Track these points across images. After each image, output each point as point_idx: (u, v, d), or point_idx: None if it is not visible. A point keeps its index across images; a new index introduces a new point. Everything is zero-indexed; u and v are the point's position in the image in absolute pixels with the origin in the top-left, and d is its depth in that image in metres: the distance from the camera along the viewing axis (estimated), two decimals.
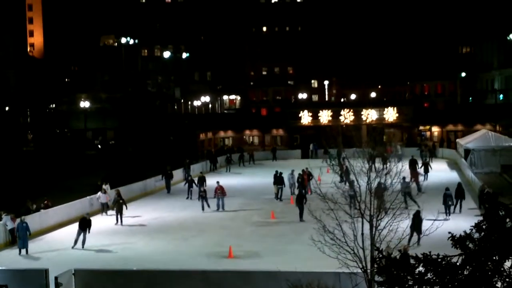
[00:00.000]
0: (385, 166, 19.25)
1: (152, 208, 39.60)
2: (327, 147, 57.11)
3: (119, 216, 34.70)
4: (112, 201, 36.82)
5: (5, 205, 34.97)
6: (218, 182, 38.86)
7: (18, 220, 29.30)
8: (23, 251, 28.00)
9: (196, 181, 42.88)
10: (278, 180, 41.94)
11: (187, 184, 43.31)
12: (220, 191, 37.95)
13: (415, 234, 25.15)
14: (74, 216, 35.47)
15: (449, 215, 32.86)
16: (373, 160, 18.61)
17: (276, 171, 42.68)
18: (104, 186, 39.31)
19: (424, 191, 36.24)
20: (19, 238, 28.29)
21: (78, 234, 29.29)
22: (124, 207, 35.46)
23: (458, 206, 34.49)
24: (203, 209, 37.71)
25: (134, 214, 37.42)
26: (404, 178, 38.80)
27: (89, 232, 29.67)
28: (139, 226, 34.38)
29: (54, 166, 56.65)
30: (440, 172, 51.34)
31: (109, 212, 37.05)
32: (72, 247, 28.90)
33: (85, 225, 29.42)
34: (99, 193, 37.90)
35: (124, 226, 34.43)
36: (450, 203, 33.25)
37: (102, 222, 35.25)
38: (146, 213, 37.78)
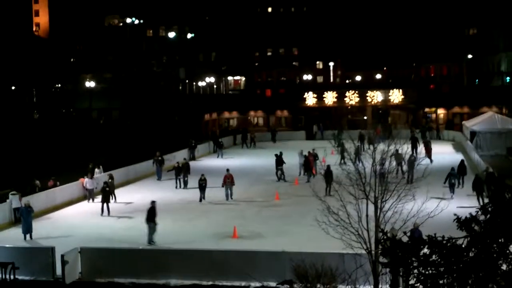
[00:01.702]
0: (371, 146, 19.14)
1: (156, 189, 39.69)
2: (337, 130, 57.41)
3: (105, 206, 32.32)
4: (98, 187, 34.75)
5: (11, 183, 35.13)
6: (228, 170, 36.51)
7: (22, 203, 29.15)
8: (28, 236, 27.22)
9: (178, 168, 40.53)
10: (278, 161, 42.06)
11: (174, 172, 40.56)
12: (230, 180, 35.53)
13: None
14: (77, 196, 35.80)
15: (454, 193, 33.80)
16: (371, 142, 18.53)
17: (277, 153, 42.73)
18: (96, 170, 38.88)
19: (429, 173, 36.40)
20: (23, 223, 27.45)
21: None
22: (111, 196, 33.86)
23: (460, 181, 36.10)
24: (200, 200, 35.25)
25: (137, 195, 37.53)
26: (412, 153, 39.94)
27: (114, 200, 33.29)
28: (143, 206, 34.34)
29: (59, 145, 56.71)
30: (445, 154, 51.22)
31: (96, 199, 34.50)
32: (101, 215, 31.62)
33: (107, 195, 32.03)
34: (86, 178, 36.00)
35: (129, 206, 34.43)
36: (453, 181, 34.38)
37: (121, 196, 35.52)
38: (150, 193, 37.82)
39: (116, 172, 40.01)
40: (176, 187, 39.67)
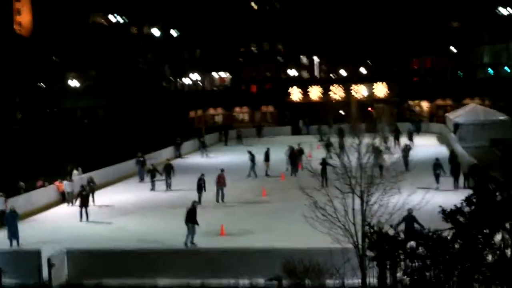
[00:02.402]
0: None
1: (141, 187, 39.59)
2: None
3: (83, 210, 30.76)
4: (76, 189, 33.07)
5: None
6: (222, 170, 35.15)
7: (7, 207, 28.85)
8: (14, 242, 26.44)
9: (160, 170, 38.87)
10: (265, 156, 42.29)
11: (149, 175, 39.03)
12: (223, 181, 34.40)
13: None
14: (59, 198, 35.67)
15: (439, 183, 34.64)
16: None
17: (250, 150, 43.04)
18: (75, 171, 38.10)
19: (414, 166, 37.37)
20: (8, 228, 26.62)
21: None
22: (90, 199, 32.46)
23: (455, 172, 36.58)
24: (200, 202, 33.86)
25: (123, 194, 37.48)
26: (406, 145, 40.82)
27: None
28: (129, 206, 34.35)
29: (44, 146, 56.47)
30: (429, 147, 51.57)
31: (77, 202, 32.65)
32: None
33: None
34: (64, 181, 35.03)
35: (115, 206, 34.30)
36: (438, 172, 35.13)
37: (102, 198, 35.37)
38: (136, 192, 37.82)
39: (96, 173, 39.51)
40: (152, 189, 37.95)
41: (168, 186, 38.36)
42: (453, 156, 38.16)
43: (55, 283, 21.61)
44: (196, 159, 52.94)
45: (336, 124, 56.40)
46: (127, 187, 40.50)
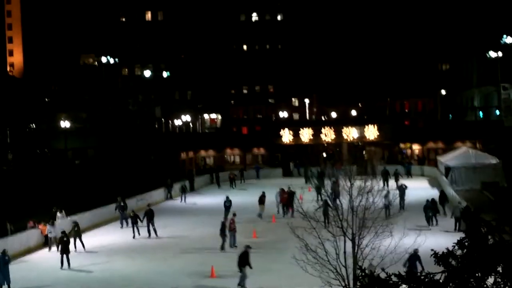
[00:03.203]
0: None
1: (126, 230, 39.11)
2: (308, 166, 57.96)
3: (64, 257, 29.00)
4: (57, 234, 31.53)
5: None
6: (234, 215, 34.44)
7: None
8: (5, 286, 25.72)
9: (141, 216, 36.86)
10: (260, 199, 42.05)
11: (129, 221, 37.58)
12: (234, 226, 33.17)
13: None
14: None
15: (431, 225, 35.27)
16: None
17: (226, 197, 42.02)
18: (58, 214, 36.77)
19: (406, 209, 37.51)
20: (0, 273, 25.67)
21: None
22: (72, 245, 31.24)
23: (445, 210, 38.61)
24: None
25: (110, 236, 37.12)
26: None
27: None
28: (119, 246, 34.03)
29: (34, 187, 56.12)
30: (421, 190, 51.51)
31: (53, 248, 31.60)
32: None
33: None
34: (47, 225, 33.36)
35: (104, 246, 33.94)
36: (430, 214, 35.63)
37: (86, 241, 34.88)
38: (125, 233, 37.47)
39: (82, 215, 38.88)
40: (134, 237, 35.89)
41: (154, 232, 36.12)
42: (442, 195, 40.04)
43: None
44: (186, 200, 52.66)
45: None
46: (114, 229, 39.93)
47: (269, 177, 66.81)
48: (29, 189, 54.21)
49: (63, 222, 35.00)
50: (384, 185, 47.75)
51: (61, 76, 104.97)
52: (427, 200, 36.75)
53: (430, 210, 35.80)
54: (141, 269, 28.69)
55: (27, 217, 35.98)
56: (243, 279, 24.79)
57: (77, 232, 32.73)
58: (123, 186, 50.72)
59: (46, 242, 33.51)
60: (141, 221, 36.37)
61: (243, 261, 25.06)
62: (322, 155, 64.66)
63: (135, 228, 36.13)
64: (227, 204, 40.39)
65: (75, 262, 30.01)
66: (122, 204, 40.54)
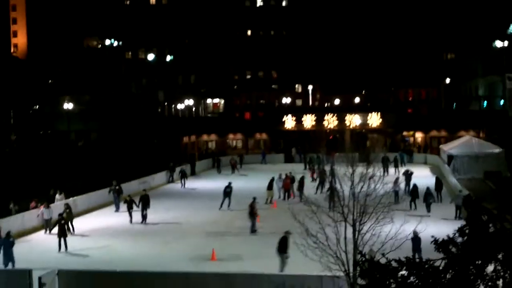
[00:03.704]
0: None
1: (134, 211, 39.28)
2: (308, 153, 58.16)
3: (61, 241, 28.90)
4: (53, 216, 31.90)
5: None
6: (254, 199, 33.99)
7: (2, 232, 28.54)
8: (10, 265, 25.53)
9: (137, 201, 36.12)
10: (270, 185, 41.93)
11: (126, 205, 36.42)
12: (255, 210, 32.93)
13: None
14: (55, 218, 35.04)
15: (430, 211, 35.64)
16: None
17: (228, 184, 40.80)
18: (57, 196, 36.81)
19: (406, 196, 37.75)
20: (4, 253, 25.53)
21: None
22: (69, 227, 31.18)
23: (438, 197, 39.76)
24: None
25: (113, 217, 37.20)
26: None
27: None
28: (122, 228, 34.11)
29: (37, 168, 56.21)
30: (423, 178, 51.48)
31: (54, 230, 30.94)
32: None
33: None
34: (42, 208, 33.10)
35: (108, 228, 34.03)
36: (430, 201, 36.42)
37: (82, 225, 35.00)
38: (123, 216, 37.46)
39: (81, 197, 39.01)
40: (131, 221, 35.40)
41: (144, 218, 35.36)
42: (438, 182, 41.00)
43: None
44: (188, 184, 52.74)
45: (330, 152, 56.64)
46: (113, 212, 39.87)
47: (271, 162, 66.85)
48: (32, 170, 54.29)
49: (61, 204, 34.62)
50: (384, 172, 47.78)
51: (65, 58, 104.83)
52: (428, 188, 37.19)
53: (430, 197, 36.53)
54: (142, 252, 28.79)
55: (30, 197, 35.99)
56: (283, 266, 24.04)
57: (69, 214, 32.09)
58: (125, 169, 50.86)
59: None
60: (137, 206, 35.64)
61: (283, 246, 24.51)
62: (324, 142, 64.64)
63: (130, 214, 35.44)
64: (228, 190, 39.61)
65: (76, 244, 30.11)
66: (117, 187, 39.86)
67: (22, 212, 33.90)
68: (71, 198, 38.01)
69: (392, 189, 37.85)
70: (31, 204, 34.69)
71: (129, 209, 35.54)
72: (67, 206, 32.78)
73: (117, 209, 39.02)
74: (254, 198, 34.05)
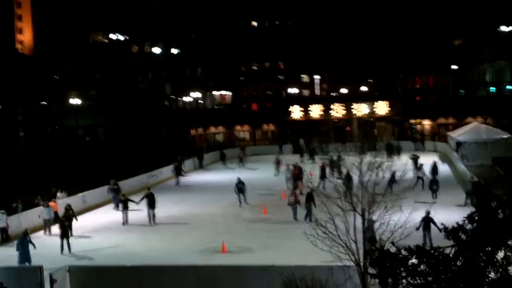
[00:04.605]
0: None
1: (142, 205, 39.28)
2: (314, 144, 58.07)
3: (64, 242, 27.99)
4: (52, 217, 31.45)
5: None
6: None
7: (8, 225, 28.49)
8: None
9: (137, 200, 34.88)
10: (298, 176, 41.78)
11: (120, 205, 34.86)
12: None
13: None
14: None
15: (436, 198, 36.04)
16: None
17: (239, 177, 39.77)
18: (58, 194, 36.13)
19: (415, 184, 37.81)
20: (22, 253, 25.01)
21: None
22: (70, 229, 29.65)
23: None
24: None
25: (118, 214, 37.10)
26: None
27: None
28: (130, 223, 34.12)
29: (45, 164, 56.42)
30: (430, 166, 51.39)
31: (54, 230, 30.72)
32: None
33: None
34: (42, 207, 32.29)
35: (116, 223, 34.05)
36: (434, 187, 36.83)
37: (91, 220, 35.08)
38: (136, 209, 37.57)
39: (88, 193, 38.87)
40: (123, 223, 33.58)
41: (152, 218, 33.79)
42: (434, 166, 42.14)
43: None
44: (196, 177, 52.84)
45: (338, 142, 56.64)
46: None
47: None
48: (40, 167, 54.47)
49: (63, 203, 34.06)
50: (388, 158, 47.69)
51: (71, 54, 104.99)
52: (432, 174, 38.75)
53: (434, 184, 36.98)
54: (152, 246, 28.84)
55: (35, 195, 35.84)
56: (308, 214, 29.54)
57: (70, 215, 31.15)
58: (133, 163, 50.93)
59: (56, 218, 32.55)
60: (137, 203, 34.25)
61: (309, 198, 30.07)
62: (331, 132, 64.66)
63: (125, 215, 33.75)
64: (240, 186, 38.06)
65: (85, 240, 30.27)
66: (115, 186, 38.70)
67: (27, 210, 33.72)
68: (80, 194, 38.11)
69: (416, 175, 39.80)
70: (35, 200, 34.25)
71: (124, 209, 33.83)
72: (69, 206, 31.84)
73: (117, 207, 37.29)
74: (295, 185, 36.50)
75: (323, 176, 40.82)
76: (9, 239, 30.18)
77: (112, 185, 38.95)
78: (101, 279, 22.41)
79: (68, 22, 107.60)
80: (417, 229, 24.52)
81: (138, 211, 35.03)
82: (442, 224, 13.92)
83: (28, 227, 29.57)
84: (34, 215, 32.71)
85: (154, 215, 33.80)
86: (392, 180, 34.78)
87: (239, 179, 38.61)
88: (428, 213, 26.07)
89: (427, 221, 25.81)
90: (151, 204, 33.84)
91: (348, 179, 31.98)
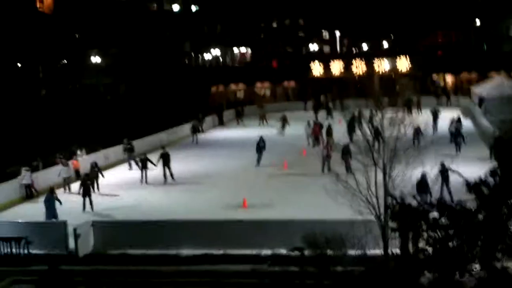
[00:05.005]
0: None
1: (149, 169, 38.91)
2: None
3: (86, 200, 27.89)
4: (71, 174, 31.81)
5: (19, 160, 35.08)
6: (329, 142, 35.39)
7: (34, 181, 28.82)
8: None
9: (155, 160, 33.85)
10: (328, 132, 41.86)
11: (139, 164, 34.18)
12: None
13: None
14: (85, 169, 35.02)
15: (459, 151, 36.70)
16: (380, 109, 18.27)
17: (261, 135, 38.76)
18: (78, 152, 36.14)
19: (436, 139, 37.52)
20: (49, 210, 25.11)
21: None
22: (95, 185, 30.28)
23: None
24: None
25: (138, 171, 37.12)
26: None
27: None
28: (153, 178, 34.30)
29: (66, 122, 56.65)
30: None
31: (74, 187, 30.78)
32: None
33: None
34: (59, 165, 32.34)
35: (138, 179, 34.07)
36: (458, 140, 37.41)
37: (113, 177, 35.40)
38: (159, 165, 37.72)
39: (107, 150, 39.09)
40: (141, 183, 33.22)
41: (170, 176, 33.52)
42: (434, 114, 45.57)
43: (81, 253, 21.98)
44: (217, 133, 52.98)
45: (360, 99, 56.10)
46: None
47: (300, 109, 66.39)
48: (61, 125, 54.72)
49: (84, 160, 34.55)
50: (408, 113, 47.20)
51: (91, 12, 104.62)
52: (456, 128, 38.63)
53: (457, 137, 37.50)
54: (173, 202, 29.15)
55: (56, 152, 36.04)
56: (348, 166, 28.99)
57: (95, 173, 31.18)
58: (154, 120, 51.03)
59: (78, 175, 32.66)
60: (155, 166, 33.38)
61: (347, 150, 30.35)
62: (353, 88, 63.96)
63: (144, 174, 33.33)
64: (261, 144, 37.03)
65: (107, 196, 30.58)
66: (129, 146, 38.12)
67: (47, 168, 33.99)
68: (102, 150, 38.35)
69: (449, 129, 39.79)
70: (56, 160, 34.20)
71: (143, 169, 33.35)
72: (95, 164, 31.89)
73: (130, 167, 37.19)
74: (329, 143, 35.43)
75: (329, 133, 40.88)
76: (35, 195, 30.58)
77: (126, 144, 38.29)
78: (124, 234, 22.78)
79: None
80: (436, 178, 22.98)
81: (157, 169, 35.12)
82: (463, 177, 13.89)
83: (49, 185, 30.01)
84: (54, 173, 32.56)
85: (171, 174, 33.47)
86: (417, 133, 34.66)
87: (261, 137, 37.56)
88: (443, 165, 25.08)
89: (445, 173, 24.88)
90: (166, 163, 33.35)
91: (345, 150, 31.59)
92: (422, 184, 22.32)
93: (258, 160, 36.73)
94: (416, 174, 17.25)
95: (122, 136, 40.08)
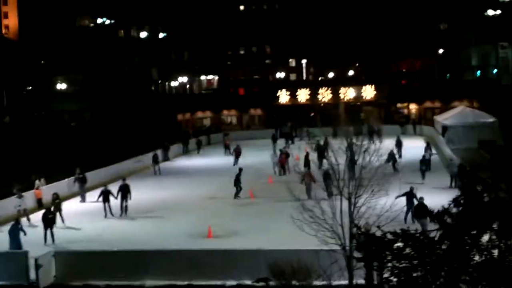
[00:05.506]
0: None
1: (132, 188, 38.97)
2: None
3: (48, 233, 26.91)
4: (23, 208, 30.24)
5: None
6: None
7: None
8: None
9: (113, 192, 32.47)
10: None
11: (101, 197, 32.20)
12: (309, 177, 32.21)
13: None
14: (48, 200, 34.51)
15: (424, 179, 37.18)
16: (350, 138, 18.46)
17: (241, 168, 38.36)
18: (37, 182, 34.82)
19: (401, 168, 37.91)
20: (14, 241, 24.42)
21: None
22: (59, 215, 29.21)
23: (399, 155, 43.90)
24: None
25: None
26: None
27: None
28: (116, 208, 33.78)
29: (31, 149, 55.91)
30: (417, 149, 51.49)
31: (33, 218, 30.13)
32: None
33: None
34: (16, 198, 30.81)
35: (101, 209, 33.52)
36: (423, 168, 38.16)
37: (76, 206, 34.91)
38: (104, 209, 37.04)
39: (69, 180, 38.04)
40: (105, 216, 31.82)
41: (124, 210, 32.10)
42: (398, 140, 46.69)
43: (43, 284, 21.62)
44: (183, 162, 52.77)
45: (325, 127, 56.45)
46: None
47: (265, 138, 66.46)
48: (24, 153, 53.87)
49: (45, 190, 33.78)
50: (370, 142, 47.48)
51: (57, 38, 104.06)
52: (423, 156, 39.71)
53: (422, 165, 38.23)
54: (142, 229, 28.88)
55: (13, 182, 35.22)
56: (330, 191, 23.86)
57: (58, 204, 30.06)
58: (120, 148, 50.64)
59: (40, 206, 32.43)
60: (115, 198, 32.05)
61: (327, 176, 24.40)
62: (318, 116, 64.35)
63: (107, 206, 31.92)
64: (240, 177, 35.79)
65: (71, 223, 30.04)
66: (81, 176, 36.53)
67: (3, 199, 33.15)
68: (65, 179, 37.75)
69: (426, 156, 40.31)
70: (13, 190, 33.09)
71: (105, 201, 31.83)
72: (56, 196, 30.62)
73: (83, 200, 35.93)
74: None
75: (306, 163, 39.69)
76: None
77: (77, 175, 36.74)
78: (87, 264, 22.42)
79: (54, 5, 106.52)
80: (396, 197, 24.27)
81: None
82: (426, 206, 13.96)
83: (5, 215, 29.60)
84: (11, 204, 31.48)
85: (126, 207, 32.19)
86: (392, 157, 36.13)
87: (241, 170, 36.63)
88: (412, 189, 27.35)
89: (410, 196, 26.80)
90: (124, 196, 32.16)
91: (326, 174, 31.04)
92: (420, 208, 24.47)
93: (237, 194, 35.38)
94: (380, 203, 17.27)
95: (82, 165, 39.02)
